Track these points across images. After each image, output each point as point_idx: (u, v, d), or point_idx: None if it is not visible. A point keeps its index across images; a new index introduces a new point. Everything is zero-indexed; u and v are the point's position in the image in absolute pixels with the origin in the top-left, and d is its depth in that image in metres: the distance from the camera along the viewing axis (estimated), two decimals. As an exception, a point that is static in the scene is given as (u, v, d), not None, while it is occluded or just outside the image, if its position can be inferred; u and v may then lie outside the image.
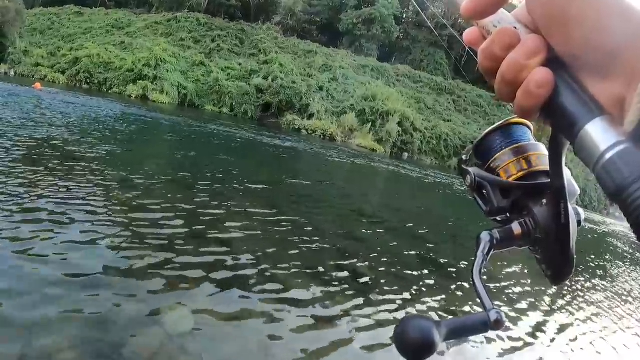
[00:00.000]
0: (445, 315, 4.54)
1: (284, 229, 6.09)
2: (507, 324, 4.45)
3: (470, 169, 0.53)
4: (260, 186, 8.81)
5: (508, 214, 0.51)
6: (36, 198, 5.03)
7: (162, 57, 30.39)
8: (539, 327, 4.81)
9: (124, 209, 5.35)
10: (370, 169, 18.60)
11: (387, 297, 4.52)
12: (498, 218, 0.52)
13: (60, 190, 5.47)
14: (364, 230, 7.18)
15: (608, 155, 0.33)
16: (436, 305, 4.66)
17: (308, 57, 38.72)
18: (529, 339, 4.44)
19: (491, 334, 4.07)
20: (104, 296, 3.34)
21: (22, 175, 5.73)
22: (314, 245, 5.59)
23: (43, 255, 3.78)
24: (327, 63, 37.73)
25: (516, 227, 0.48)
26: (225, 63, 34.28)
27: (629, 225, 0.31)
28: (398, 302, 4.46)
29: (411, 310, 4.40)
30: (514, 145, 0.52)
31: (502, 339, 4.22)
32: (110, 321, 3.05)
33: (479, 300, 0.43)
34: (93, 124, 12.14)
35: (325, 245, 5.73)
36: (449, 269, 6.10)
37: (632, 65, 0.33)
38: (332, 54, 40.75)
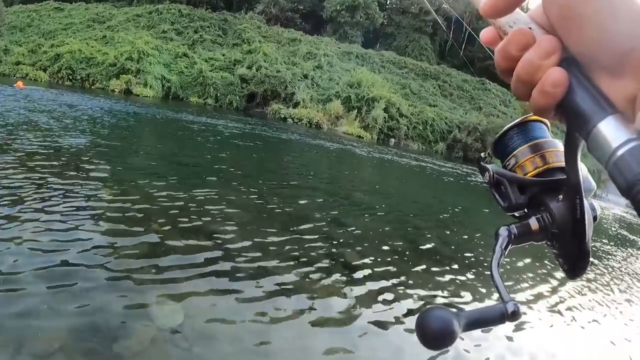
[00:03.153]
0: (430, 297, 4.61)
1: (273, 218, 6.15)
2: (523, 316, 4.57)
3: (489, 166, 0.54)
4: (247, 176, 8.88)
5: (526, 210, 0.52)
6: (21, 194, 5.05)
7: (144, 50, 30.01)
8: (553, 318, 4.88)
9: (111, 203, 5.39)
10: (357, 155, 18.66)
11: (377, 283, 4.56)
12: (516, 214, 0.53)
13: (47, 186, 5.50)
14: (352, 217, 7.22)
15: (619, 153, 0.34)
16: (423, 291, 4.70)
17: (292, 45, 38.55)
18: (543, 330, 4.50)
19: (507, 324, 4.13)
20: (93, 290, 3.38)
21: (7, 173, 5.74)
22: (304, 235, 5.63)
23: (30, 249, 3.81)
24: (311, 51, 37.57)
25: (533, 223, 0.49)
26: (209, 54, 34.02)
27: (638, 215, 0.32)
28: (389, 289, 4.49)
29: (402, 296, 4.43)
30: (531, 142, 0.53)
31: (518, 330, 4.27)
32: (100, 315, 3.07)
33: (496, 293, 0.44)
34: (77, 121, 12.07)
35: (314, 234, 5.77)
36: (437, 254, 6.17)
37: None
38: (316, 41, 40.58)
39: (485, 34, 0.46)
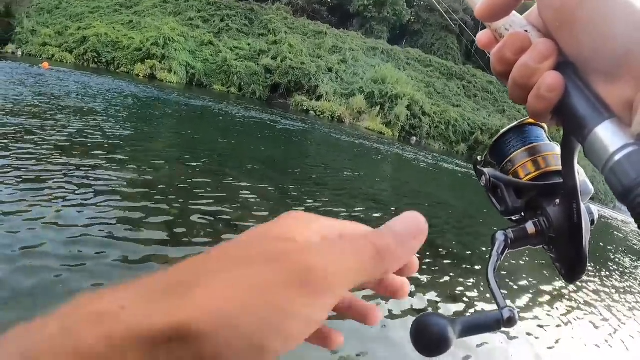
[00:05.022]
0: (448, 301, 4.51)
1: (286, 206, 6.13)
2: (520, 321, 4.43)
3: (485, 170, 0.55)
4: (268, 167, 8.75)
5: (522, 214, 0.53)
6: (43, 173, 5.05)
7: (170, 37, 30.03)
8: (549, 324, 4.73)
9: (131, 186, 5.36)
10: (378, 152, 18.34)
11: None
12: (513, 217, 0.54)
13: (68, 166, 5.50)
14: (372, 214, 7.09)
15: (616, 158, 0.33)
16: (438, 291, 4.63)
17: (318, 38, 38.26)
18: (539, 336, 4.37)
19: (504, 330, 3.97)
20: (108, 272, 3.38)
21: (30, 152, 5.74)
22: None
23: (49, 227, 3.82)
24: (336, 44, 37.27)
25: (530, 227, 0.49)
26: (234, 43, 33.96)
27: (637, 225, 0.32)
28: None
29: (417, 296, 4.36)
30: (528, 146, 0.53)
31: (515, 336, 4.14)
32: None
33: (493, 299, 0.43)
34: (101, 102, 12.05)
35: None
36: (455, 257, 6.03)
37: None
38: (342, 35, 40.24)
39: (481, 37, 0.46)
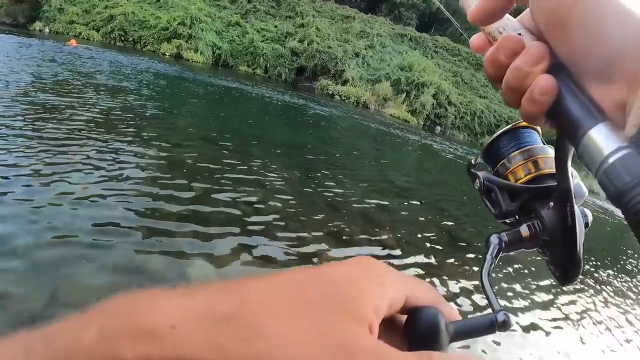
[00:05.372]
0: (463, 293, 4.46)
1: (312, 191, 6.10)
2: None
3: (479, 173, 0.55)
4: (292, 149, 8.77)
5: (517, 217, 0.52)
6: (69, 149, 5.11)
7: (197, 17, 29.86)
8: (544, 326, 4.57)
9: (155, 163, 5.39)
10: (401, 139, 18.11)
11: (410, 272, 4.42)
12: (507, 220, 0.54)
13: (95, 144, 5.54)
14: (393, 202, 7.03)
15: (610, 161, 0.33)
16: (455, 282, 4.60)
17: (345, 22, 37.79)
18: (534, 338, 4.25)
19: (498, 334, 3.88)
20: (131, 248, 3.42)
21: (59, 129, 5.79)
22: (343, 212, 5.56)
23: (73, 202, 3.87)
24: (364, 30, 36.77)
25: (524, 230, 0.49)
26: (261, 24, 33.67)
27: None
28: (421, 278, 4.31)
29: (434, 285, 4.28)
30: (522, 149, 0.53)
31: (509, 339, 4.01)
32: (136, 273, 3.15)
33: (487, 302, 0.43)
34: (128, 81, 12.12)
35: (354, 213, 5.71)
36: (476, 250, 5.93)
37: (633, 71, 0.33)
38: (370, 20, 39.70)
39: (475, 40, 0.46)
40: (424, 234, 5.85)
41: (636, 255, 10.34)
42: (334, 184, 6.87)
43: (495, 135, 0.56)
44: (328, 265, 0.32)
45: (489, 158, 0.57)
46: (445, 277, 4.64)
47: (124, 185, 4.50)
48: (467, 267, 5.20)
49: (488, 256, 0.47)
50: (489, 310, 0.41)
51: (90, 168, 4.69)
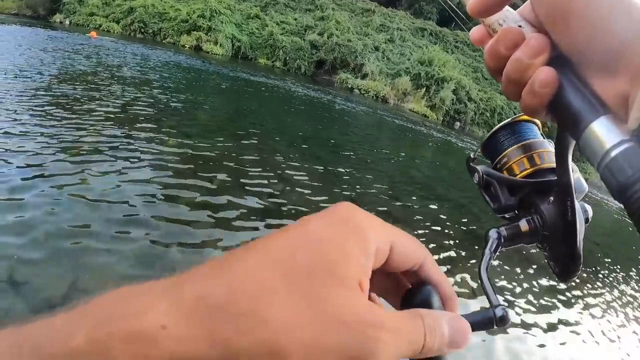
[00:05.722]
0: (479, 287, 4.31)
1: (330, 184, 6.09)
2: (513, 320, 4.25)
3: (478, 167, 0.54)
4: (311, 142, 8.75)
5: (516, 211, 0.52)
6: (91, 141, 5.14)
7: (217, 9, 29.92)
8: (544, 324, 4.47)
9: (175, 156, 5.39)
10: (420, 134, 18.02)
11: None
12: (506, 215, 0.53)
13: (115, 135, 5.57)
14: (411, 197, 7.03)
15: (612, 154, 0.32)
16: (475, 281, 4.50)
17: (365, 15, 37.56)
18: (533, 336, 4.16)
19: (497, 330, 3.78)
20: (149, 239, 3.42)
21: (79, 120, 5.85)
22: (360, 206, 5.46)
23: (94, 194, 3.88)
24: (384, 23, 36.50)
25: (523, 225, 0.48)
26: (281, 17, 33.63)
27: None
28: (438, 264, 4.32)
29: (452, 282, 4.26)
30: (522, 143, 0.53)
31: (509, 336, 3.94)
32: (154, 263, 3.16)
33: (485, 297, 0.42)
34: (149, 73, 12.24)
35: (372, 206, 5.69)
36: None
37: (637, 63, 0.32)
38: (390, 14, 39.36)
39: (474, 33, 0.45)
40: (444, 231, 5.81)
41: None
42: (354, 178, 6.84)
43: (494, 129, 0.55)
44: (308, 223, 0.32)
45: (488, 152, 0.56)
46: (465, 275, 4.57)
47: (144, 176, 4.51)
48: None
49: (487, 251, 0.47)
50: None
51: (112, 159, 4.72)
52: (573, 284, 5.85)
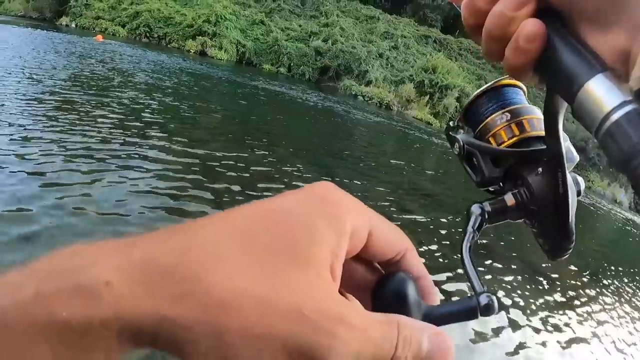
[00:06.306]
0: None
1: None
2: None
3: (458, 136, 0.49)
4: (316, 149, 8.83)
5: (501, 184, 0.47)
6: (95, 145, 5.16)
7: (222, 14, 30.11)
8: (542, 330, 4.46)
9: (179, 160, 5.42)
10: (424, 142, 18.07)
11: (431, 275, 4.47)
12: (490, 189, 0.49)
13: (119, 138, 5.61)
14: (415, 204, 7.05)
15: (613, 118, 0.28)
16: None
17: (370, 22, 37.64)
18: (522, 330, 4.19)
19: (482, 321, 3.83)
20: None
21: (78, 123, 5.87)
22: None
23: (100, 197, 3.94)
24: (388, 30, 36.59)
25: (509, 199, 0.44)
26: (285, 23, 33.73)
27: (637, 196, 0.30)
28: (442, 282, 4.39)
29: (454, 289, 4.31)
30: (506, 109, 0.47)
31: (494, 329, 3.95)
32: None
33: (468, 282, 0.38)
34: (154, 77, 12.32)
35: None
36: (493, 251, 5.96)
37: (638, 13, 0.29)
38: (394, 21, 39.46)
39: None
40: (444, 235, 5.83)
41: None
42: (356, 185, 6.86)
43: (475, 94, 0.49)
44: (279, 197, 0.30)
45: (469, 120, 0.50)
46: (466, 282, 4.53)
47: (150, 185, 4.51)
48: (486, 272, 5.18)
49: (469, 228, 0.43)
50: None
51: (114, 162, 4.76)
52: (573, 293, 5.83)
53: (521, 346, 3.89)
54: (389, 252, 0.33)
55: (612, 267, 8.38)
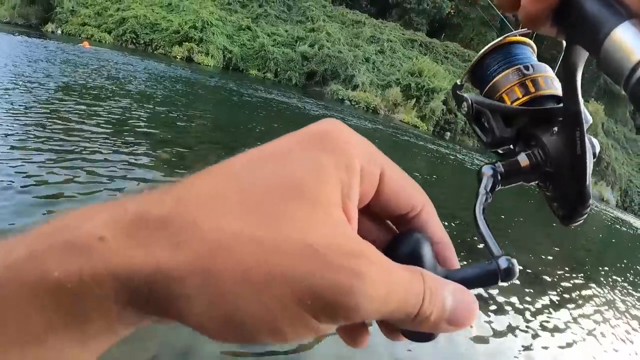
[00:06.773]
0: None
1: None
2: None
3: (467, 95, 0.47)
4: None
5: (512, 146, 0.45)
6: (80, 155, 5.08)
7: (208, 20, 30.08)
8: (534, 328, 4.50)
9: (166, 167, 5.41)
10: (411, 145, 18.15)
11: None
12: (500, 150, 0.46)
13: (105, 147, 5.51)
14: None
15: None
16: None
17: (356, 27, 37.83)
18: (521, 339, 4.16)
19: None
20: None
21: (64, 131, 5.79)
22: None
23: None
24: (375, 35, 36.82)
25: (523, 159, 0.42)
26: (272, 29, 33.80)
27: None
28: None
29: None
30: (516, 66, 0.45)
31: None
32: None
33: (484, 246, 0.35)
34: (138, 83, 12.27)
35: None
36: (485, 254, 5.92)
37: None
38: (380, 25, 39.69)
39: None
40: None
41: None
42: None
43: (482, 51, 0.47)
44: (279, 139, 0.28)
45: (477, 79, 0.48)
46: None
47: (135, 188, 4.41)
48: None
49: (481, 190, 0.40)
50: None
51: (100, 171, 4.71)
52: (567, 295, 5.89)
53: (513, 347, 3.95)
54: (404, 204, 0.30)
55: (604, 266, 8.52)
